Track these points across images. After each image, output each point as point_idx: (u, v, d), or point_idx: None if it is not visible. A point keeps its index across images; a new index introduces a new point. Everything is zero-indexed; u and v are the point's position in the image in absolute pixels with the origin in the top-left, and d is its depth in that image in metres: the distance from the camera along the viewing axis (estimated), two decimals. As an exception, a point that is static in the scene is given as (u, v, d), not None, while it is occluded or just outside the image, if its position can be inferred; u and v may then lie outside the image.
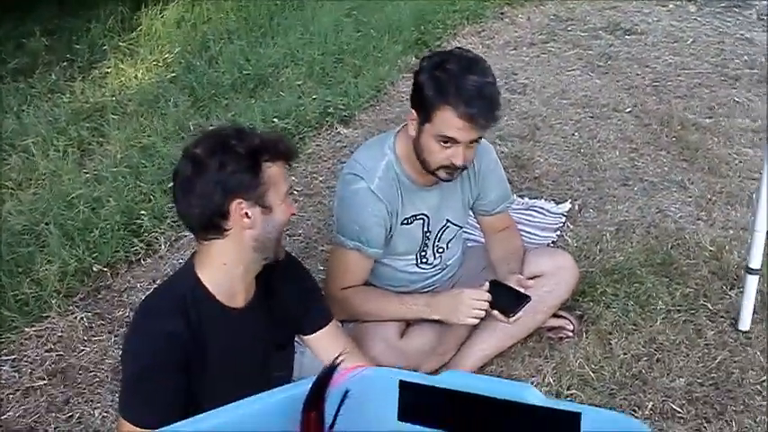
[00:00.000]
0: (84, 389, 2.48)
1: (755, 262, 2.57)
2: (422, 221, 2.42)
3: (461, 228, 2.57)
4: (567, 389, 2.40)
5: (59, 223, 3.16)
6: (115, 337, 2.68)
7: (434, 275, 2.56)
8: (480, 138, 2.22)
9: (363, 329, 2.38)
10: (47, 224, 3.16)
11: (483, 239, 2.72)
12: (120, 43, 5.14)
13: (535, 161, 3.75)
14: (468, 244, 2.78)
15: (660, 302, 2.75)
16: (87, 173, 3.63)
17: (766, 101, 4.26)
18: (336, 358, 1.26)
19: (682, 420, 2.31)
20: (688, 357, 2.53)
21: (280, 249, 1.84)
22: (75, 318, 2.76)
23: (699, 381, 2.45)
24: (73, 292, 2.89)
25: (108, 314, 2.80)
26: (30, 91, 4.51)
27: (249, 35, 5.18)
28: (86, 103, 4.33)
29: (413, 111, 2.23)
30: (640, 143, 3.92)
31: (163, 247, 3.14)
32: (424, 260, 2.51)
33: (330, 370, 1.23)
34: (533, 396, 1.19)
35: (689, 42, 5.25)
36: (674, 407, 2.35)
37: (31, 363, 2.59)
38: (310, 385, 1.22)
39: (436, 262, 2.54)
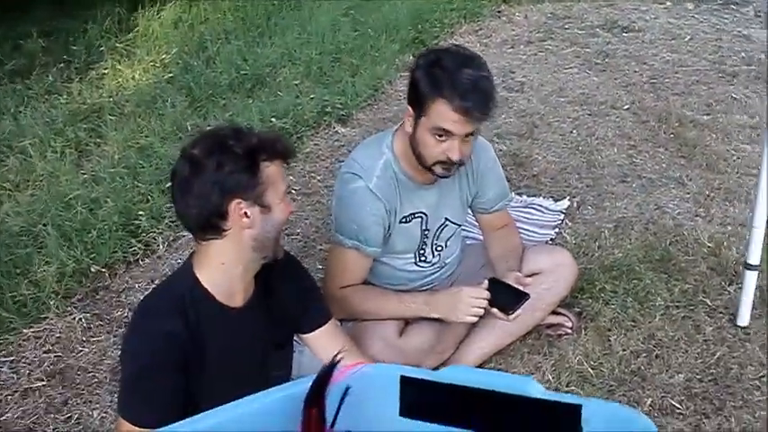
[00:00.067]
0: (83, 390, 2.48)
1: (754, 258, 2.57)
2: (420, 219, 2.42)
3: (460, 226, 2.57)
4: (567, 386, 2.40)
5: (57, 224, 3.15)
6: (114, 337, 2.68)
7: (433, 274, 2.56)
8: (475, 131, 2.21)
9: (362, 328, 2.38)
10: (44, 225, 3.16)
11: (482, 237, 2.72)
12: (118, 44, 5.14)
13: (533, 159, 3.75)
14: (467, 242, 2.77)
15: (659, 299, 2.75)
16: (85, 174, 3.62)
17: (764, 97, 4.26)
18: (336, 355, 1.26)
19: (681, 416, 2.31)
20: (687, 353, 2.53)
21: (278, 248, 1.84)
22: (74, 318, 2.76)
23: (698, 377, 2.45)
24: (71, 293, 2.88)
25: (106, 315, 2.80)
26: (27, 92, 4.51)
27: (246, 35, 5.18)
28: (84, 104, 4.33)
29: (409, 107, 2.24)
30: (638, 140, 3.92)
31: (161, 247, 3.13)
32: (423, 258, 2.51)
33: (330, 367, 1.23)
34: (535, 389, 1.19)
35: (686, 39, 5.25)
36: (673, 403, 2.35)
37: (30, 364, 2.59)
38: (311, 383, 1.22)
39: (435, 260, 2.54)
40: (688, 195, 3.44)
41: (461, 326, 2.43)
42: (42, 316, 2.77)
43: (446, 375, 1.27)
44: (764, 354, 2.52)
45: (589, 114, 4.21)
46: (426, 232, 2.46)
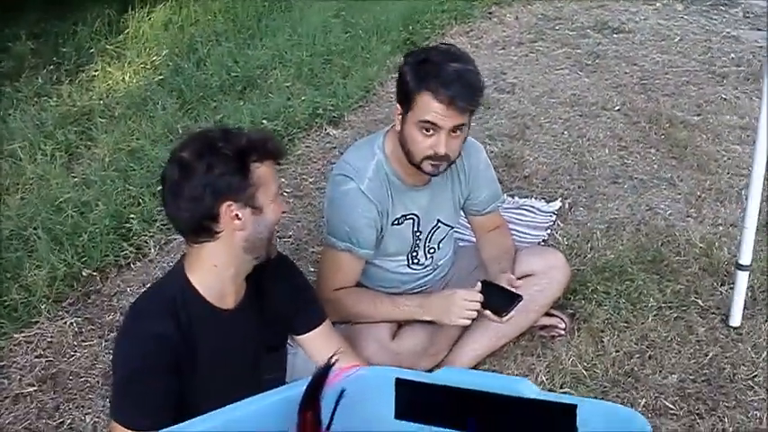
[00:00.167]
0: (75, 395, 2.46)
1: (745, 258, 2.57)
2: (412, 221, 2.42)
3: (452, 228, 2.57)
4: (560, 387, 2.40)
5: (48, 228, 3.13)
6: (105, 341, 2.66)
7: (426, 276, 2.56)
8: (463, 127, 2.20)
9: (356, 331, 2.37)
10: (35, 229, 3.14)
11: (474, 239, 2.72)
12: (108, 46, 5.12)
13: (525, 160, 3.76)
14: (460, 244, 2.77)
15: (651, 300, 2.76)
16: (75, 177, 3.60)
17: (754, 98, 4.28)
18: (331, 358, 1.26)
19: (674, 417, 2.31)
20: (680, 354, 2.54)
21: (271, 248, 1.83)
22: (65, 323, 2.74)
23: (691, 377, 2.45)
24: (62, 297, 2.86)
25: (98, 319, 2.78)
26: (16, 95, 4.48)
27: (237, 37, 5.17)
28: (74, 106, 4.30)
29: (398, 105, 2.24)
30: (629, 141, 3.93)
31: (153, 250, 3.12)
32: (416, 261, 2.51)
33: (325, 370, 1.23)
34: (529, 390, 1.19)
35: (676, 40, 5.27)
36: (666, 403, 2.35)
37: (21, 369, 2.57)
38: (305, 386, 1.22)
39: (427, 263, 2.54)
40: (679, 196, 3.44)
41: (454, 328, 2.42)
42: (33, 320, 2.75)
43: (441, 377, 1.26)
44: (756, 354, 2.52)
45: (580, 115, 4.22)
46: (418, 234, 2.45)
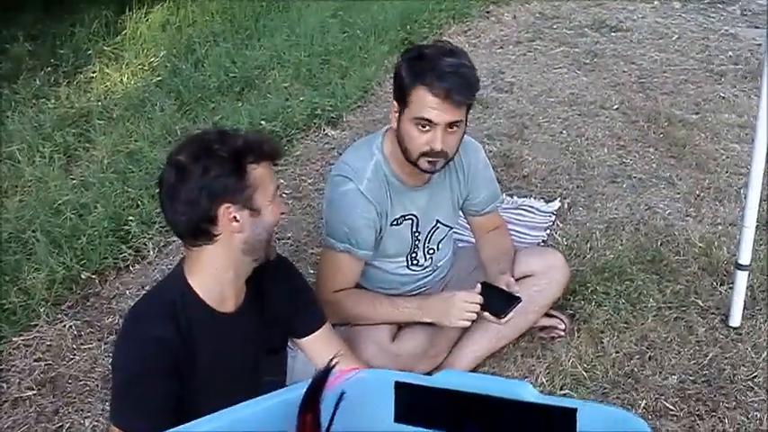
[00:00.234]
0: (74, 398, 2.46)
1: (745, 258, 2.57)
2: (411, 222, 2.41)
3: (452, 228, 2.56)
4: (560, 389, 2.40)
5: (46, 230, 3.13)
6: (105, 344, 2.66)
7: (425, 277, 2.56)
8: (460, 123, 2.19)
9: (355, 333, 2.37)
10: (33, 231, 3.13)
11: (473, 240, 2.72)
12: (105, 47, 5.12)
13: (524, 160, 3.75)
14: (459, 245, 2.77)
15: (651, 300, 2.76)
16: (74, 179, 3.60)
17: (752, 96, 4.27)
18: (331, 360, 1.25)
19: (675, 418, 2.31)
20: (680, 355, 2.53)
21: (270, 250, 1.83)
22: (64, 326, 2.73)
23: (691, 378, 2.45)
24: (61, 300, 2.86)
25: (97, 322, 2.78)
26: (14, 97, 4.48)
27: (235, 37, 5.17)
28: (72, 108, 4.30)
29: (394, 103, 2.24)
30: (628, 140, 3.93)
31: (152, 252, 3.11)
32: (415, 262, 2.50)
33: (325, 372, 1.23)
34: (529, 393, 1.19)
35: (674, 39, 5.27)
36: (666, 404, 2.35)
37: (20, 373, 2.56)
38: (305, 388, 1.22)
39: (427, 263, 2.53)
40: (678, 195, 3.44)
41: (454, 330, 2.42)
42: (32, 324, 2.74)
43: (441, 380, 1.26)
44: (757, 354, 2.52)
45: (579, 115, 4.22)
46: (417, 234, 2.45)
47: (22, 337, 2.70)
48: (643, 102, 4.33)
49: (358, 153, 2.38)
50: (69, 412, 2.41)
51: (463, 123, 2.22)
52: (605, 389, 2.42)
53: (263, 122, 3.99)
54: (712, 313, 2.71)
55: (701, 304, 2.75)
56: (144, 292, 2.75)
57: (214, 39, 5.13)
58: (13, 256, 3.02)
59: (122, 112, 4.21)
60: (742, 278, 2.59)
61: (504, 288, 2.31)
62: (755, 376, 2.44)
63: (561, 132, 4.03)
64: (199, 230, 1.70)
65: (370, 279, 2.48)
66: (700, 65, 4.84)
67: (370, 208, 2.30)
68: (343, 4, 5.64)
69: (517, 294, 2.28)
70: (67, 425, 2.36)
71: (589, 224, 3.25)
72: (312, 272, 2.85)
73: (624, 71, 4.75)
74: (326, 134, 4.05)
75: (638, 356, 2.53)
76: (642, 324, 2.66)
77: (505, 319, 2.26)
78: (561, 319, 2.63)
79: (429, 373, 2.28)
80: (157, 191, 1.76)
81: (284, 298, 1.93)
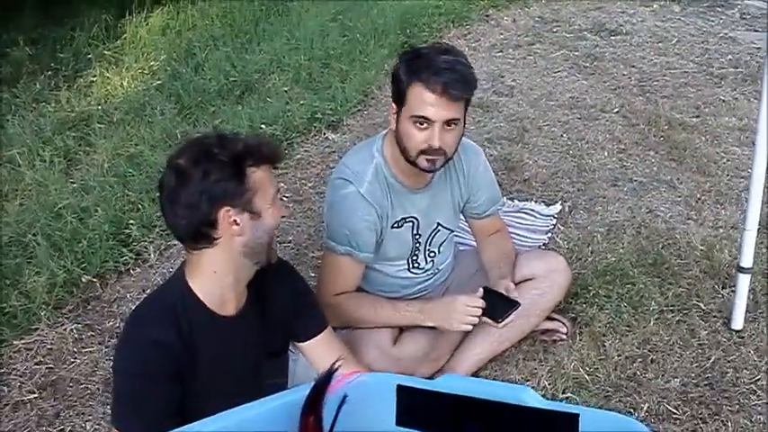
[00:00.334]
0: (75, 402, 2.45)
1: (746, 260, 2.57)
2: (411, 224, 2.41)
3: (452, 231, 2.56)
4: (563, 392, 2.40)
5: (47, 234, 3.13)
6: (106, 348, 2.65)
7: (426, 280, 2.55)
8: (458, 121, 2.20)
9: (357, 336, 2.36)
10: (34, 235, 3.13)
11: (474, 243, 2.71)
12: (105, 51, 5.12)
13: (524, 163, 3.75)
14: (460, 248, 2.77)
15: (653, 303, 2.75)
16: (74, 183, 3.60)
17: (752, 99, 4.28)
18: (334, 363, 1.25)
19: (677, 421, 2.31)
20: (682, 358, 2.53)
21: (271, 253, 1.83)
22: (65, 329, 2.73)
23: (693, 381, 2.45)
24: (62, 304, 2.85)
25: (98, 325, 2.77)
26: (14, 101, 4.48)
27: (235, 41, 5.17)
28: (72, 112, 4.30)
29: (393, 104, 2.25)
30: (628, 143, 3.93)
31: (152, 256, 3.11)
32: (416, 265, 2.50)
33: (328, 375, 1.22)
34: (531, 398, 1.18)
35: (674, 42, 5.28)
36: (669, 408, 2.35)
37: (21, 376, 2.56)
38: (308, 391, 1.21)
39: (428, 267, 2.53)
40: (679, 198, 3.44)
41: (456, 333, 2.41)
42: (33, 327, 2.74)
43: (443, 385, 1.26)
44: (759, 357, 2.52)
45: (579, 118, 4.22)
46: (418, 237, 2.45)
47: (23, 341, 2.69)
48: (643, 105, 4.33)
49: (358, 156, 2.38)
50: (70, 416, 2.40)
51: (461, 122, 2.22)
52: (607, 392, 2.41)
53: (263, 126, 3.99)
54: (714, 316, 2.70)
55: (703, 307, 2.75)
56: (145, 295, 2.75)
57: (214, 43, 5.13)
58: (13, 260, 3.02)
59: (122, 116, 4.21)
60: (744, 281, 2.59)
61: (504, 293, 2.30)
62: (758, 379, 2.44)
63: (562, 136, 4.03)
64: (199, 234, 1.70)
65: (371, 282, 2.47)
66: (699, 68, 4.84)
67: (370, 210, 2.29)
68: (342, 8, 5.64)
69: (516, 299, 2.28)
70: (68, 428, 2.36)
71: (590, 227, 3.25)
72: (313, 275, 2.85)
73: (624, 74, 4.76)
74: (327, 138, 4.05)
75: (640, 360, 2.53)
76: (644, 327, 2.65)
77: (503, 323, 2.25)
78: (563, 323, 2.63)
79: (431, 377, 2.29)
80: (158, 194, 1.76)
81: (285, 301, 1.93)
